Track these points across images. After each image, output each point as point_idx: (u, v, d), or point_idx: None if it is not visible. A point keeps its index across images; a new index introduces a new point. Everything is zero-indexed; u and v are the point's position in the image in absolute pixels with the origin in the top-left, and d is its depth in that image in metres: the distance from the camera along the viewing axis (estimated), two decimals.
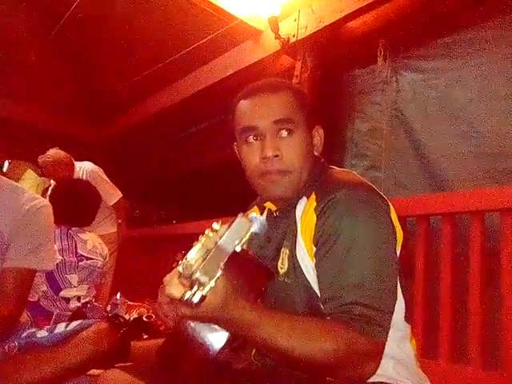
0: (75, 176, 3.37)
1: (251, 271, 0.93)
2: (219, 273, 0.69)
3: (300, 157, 0.95)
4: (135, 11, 3.73)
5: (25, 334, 1.23)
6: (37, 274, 1.49)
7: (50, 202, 1.65)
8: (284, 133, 0.94)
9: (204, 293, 0.67)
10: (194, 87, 3.85)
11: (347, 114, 2.92)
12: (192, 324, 0.87)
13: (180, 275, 0.73)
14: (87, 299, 2.16)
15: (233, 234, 0.71)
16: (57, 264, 2.00)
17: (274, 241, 1.02)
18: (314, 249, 0.89)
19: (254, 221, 0.73)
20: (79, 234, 2.21)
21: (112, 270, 3.35)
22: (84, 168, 3.42)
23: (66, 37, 4.30)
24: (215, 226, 0.73)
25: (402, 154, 2.53)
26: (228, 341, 0.84)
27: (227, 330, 0.82)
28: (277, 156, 0.93)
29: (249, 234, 0.72)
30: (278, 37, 2.93)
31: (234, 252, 0.71)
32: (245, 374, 1.01)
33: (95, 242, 2.25)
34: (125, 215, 3.66)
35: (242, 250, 0.74)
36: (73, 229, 2.20)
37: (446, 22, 2.44)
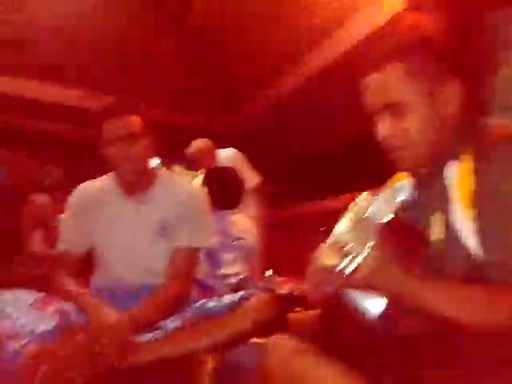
0: (219, 163, 3.63)
1: (403, 238, 0.93)
2: (371, 242, 0.71)
3: (418, 130, 0.91)
4: None
5: (197, 304, 1.40)
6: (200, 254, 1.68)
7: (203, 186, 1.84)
8: (396, 113, 0.91)
9: (358, 263, 0.70)
10: (321, 61, 3.83)
11: (490, 65, 2.64)
12: (348, 292, 0.91)
13: (331, 247, 0.77)
14: (244, 275, 2.35)
15: (381, 203, 0.72)
16: (214, 244, 2.22)
17: (423, 207, 1.00)
18: (474, 211, 0.85)
19: (401, 188, 0.74)
20: (229, 217, 2.40)
21: (259, 251, 3.56)
22: (226, 154, 3.68)
23: (195, 29, 4.57)
24: (363, 196, 0.75)
25: None
26: (386, 307, 0.86)
27: (384, 297, 0.84)
28: (391, 135, 0.91)
29: (397, 201, 0.73)
30: None
31: (385, 221, 0.72)
32: (405, 341, 1.02)
33: (245, 223, 2.43)
34: (263, 198, 3.86)
35: (392, 218, 0.75)
36: (224, 212, 2.40)
37: None
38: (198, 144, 3.64)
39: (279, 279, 2.79)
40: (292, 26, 3.88)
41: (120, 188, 1.62)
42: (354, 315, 0.95)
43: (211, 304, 1.40)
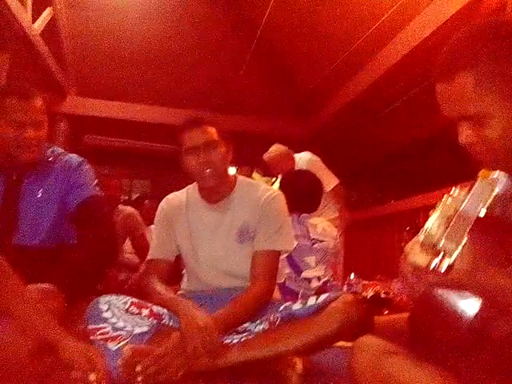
0: (296, 167, 3.65)
1: (499, 235, 0.87)
2: (465, 239, 0.67)
3: (500, 137, 0.82)
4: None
5: (282, 307, 1.41)
6: (280, 258, 1.69)
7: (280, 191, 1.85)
8: (475, 123, 0.83)
9: (451, 260, 0.67)
10: (391, 59, 3.73)
11: None
12: (440, 292, 0.87)
13: (422, 245, 0.74)
14: (326, 278, 2.33)
15: (475, 198, 0.69)
16: (294, 248, 2.22)
17: None
18: None
19: (496, 182, 0.69)
20: (308, 220, 2.40)
21: (341, 254, 3.51)
22: (303, 158, 3.69)
23: (264, 43, 4.67)
24: (454, 192, 0.71)
25: None
26: (482, 308, 0.81)
27: (479, 297, 0.79)
28: (472, 142, 0.85)
29: (492, 196, 0.69)
30: None
31: (478, 216, 0.68)
32: (501, 343, 0.96)
33: (324, 225, 2.41)
34: (343, 200, 3.81)
35: (487, 213, 0.71)
36: (302, 215, 2.40)
37: None
38: (276, 149, 3.69)
39: (363, 282, 2.73)
40: (359, 25, 3.82)
41: (202, 197, 1.69)
42: (448, 316, 0.90)
43: (296, 307, 1.40)
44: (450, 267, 0.67)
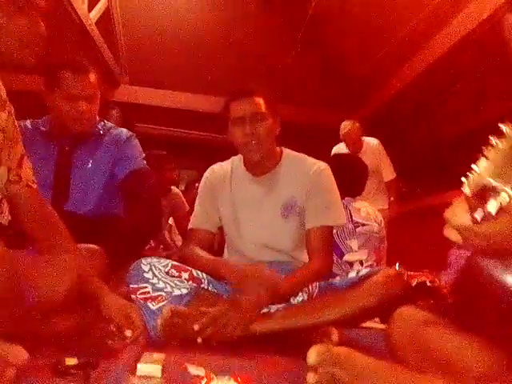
0: (363, 148, 3.67)
1: None
2: None
3: None
4: None
5: (323, 282, 1.40)
6: None
7: None
8: None
9: (501, 201, 0.61)
10: (444, 44, 3.59)
11: None
12: (486, 262, 0.84)
13: (466, 199, 0.70)
14: (369, 263, 2.28)
15: None
16: (336, 231, 2.19)
17: None
18: None
19: None
20: (352, 203, 2.36)
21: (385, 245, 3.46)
22: (371, 142, 3.74)
23: (311, 34, 4.62)
24: (504, 129, 0.66)
25: None
26: None
27: None
28: None
29: None
30: None
31: None
32: None
33: (368, 209, 2.36)
34: (396, 195, 3.79)
35: None
36: (346, 199, 2.36)
37: None
38: (352, 125, 3.69)
39: (408, 273, 2.66)
40: (410, 12, 3.70)
41: (247, 169, 1.67)
42: (493, 286, 0.87)
43: (336, 281, 1.39)
44: (498, 210, 0.61)
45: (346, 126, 3.73)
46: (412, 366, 0.92)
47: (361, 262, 2.25)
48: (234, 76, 4.68)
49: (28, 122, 1.80)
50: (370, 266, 2.25)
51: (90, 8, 3.98)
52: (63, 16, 3.67)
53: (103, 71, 4.47)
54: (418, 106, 4.57)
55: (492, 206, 0.61)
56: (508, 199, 0.60)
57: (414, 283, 2.48)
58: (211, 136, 5.46)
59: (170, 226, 3.56)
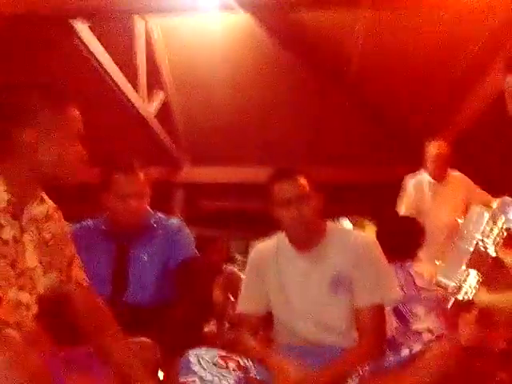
0: (449, 178, 3.49)
1: None
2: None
3: None
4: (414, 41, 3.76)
5: (374, 363, 1.33)
6: (386, 310, 1.60)
7: (378, 239, 1.80)
8: None
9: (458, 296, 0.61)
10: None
11: None
12: None
13: None
14: (440, 332, 2.13)
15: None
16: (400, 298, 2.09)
17: None
18: None
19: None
20: (413, 267, 2.26)
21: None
22: (458, 175, 3.54)
23: (357, 88, 4.66)
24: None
25: None
26: None
27: None
28: None
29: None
30: None
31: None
32: None
33: (430, 272, 2.24)
34: None
35: None
36: (406, 262, 2.27)
37: None
38: (442, 146, 3.44)
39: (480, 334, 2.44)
40: (458, 53, 3.68)
41: (292, 244, 1.67)
42: None
43: (389, 360, 1.32)
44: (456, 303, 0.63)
45: (435, 145, 3.43)
46: None
47: (429, 331, 2.11)
48: (283, 143, 4.79)
49: (90, 222, 1.96)
50: (441, 335, 2.10)
51: (149, 101, 4.38)
52: (127, 113, 4.08)
53: (166, 158, 4.81)
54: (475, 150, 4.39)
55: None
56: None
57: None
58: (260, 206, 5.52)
59: (232, 302, 3.57)
